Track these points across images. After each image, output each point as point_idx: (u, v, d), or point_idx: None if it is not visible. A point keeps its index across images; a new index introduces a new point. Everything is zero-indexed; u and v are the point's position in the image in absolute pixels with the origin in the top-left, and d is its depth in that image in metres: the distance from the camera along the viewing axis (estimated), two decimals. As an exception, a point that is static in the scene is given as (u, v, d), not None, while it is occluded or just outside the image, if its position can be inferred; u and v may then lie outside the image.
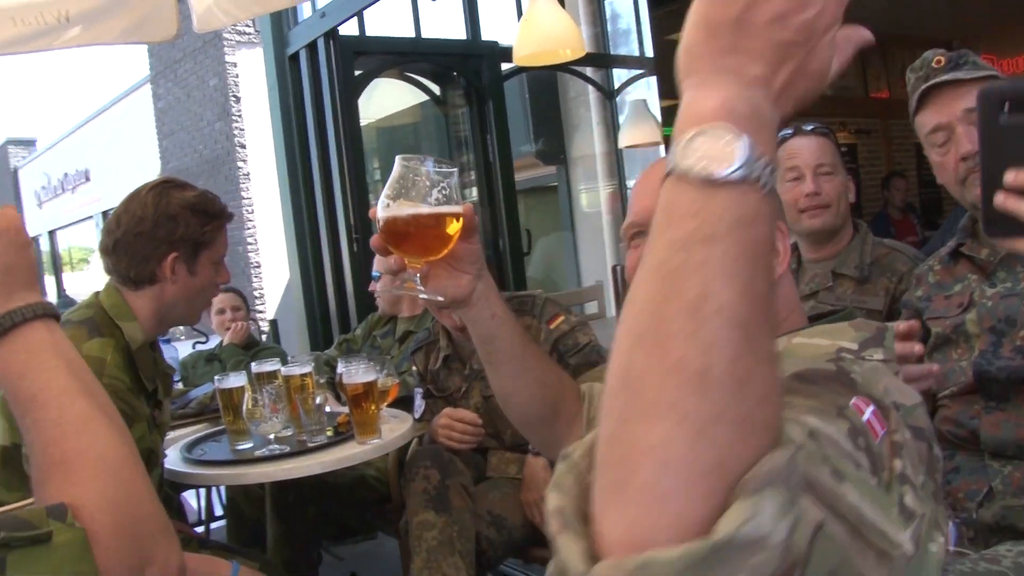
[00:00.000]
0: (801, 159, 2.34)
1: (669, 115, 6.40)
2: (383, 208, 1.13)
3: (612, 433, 0.59)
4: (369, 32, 5.01)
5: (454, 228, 1.15)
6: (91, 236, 16.44)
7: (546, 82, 7.13)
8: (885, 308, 2.29)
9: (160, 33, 3.42)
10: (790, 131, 2.42)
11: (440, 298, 1.23)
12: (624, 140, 6.44)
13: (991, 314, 1.73)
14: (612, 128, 6.69)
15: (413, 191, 1.13)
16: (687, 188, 0.61)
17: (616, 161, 6.76)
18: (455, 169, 1.18)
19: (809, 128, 2.40)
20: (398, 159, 1.15)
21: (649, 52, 6.56)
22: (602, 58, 6.66)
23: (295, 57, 4.84)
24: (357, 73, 4.91)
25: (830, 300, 2.32)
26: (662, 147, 6.37)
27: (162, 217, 2.13)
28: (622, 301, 1.99)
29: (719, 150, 0.60)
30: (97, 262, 18.21)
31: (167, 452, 2.63)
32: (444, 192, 1.14)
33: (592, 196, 7.00)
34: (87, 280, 18.03)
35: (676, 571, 0.53)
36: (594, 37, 6.71)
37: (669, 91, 6.50)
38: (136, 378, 2.12)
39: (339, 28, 4.64)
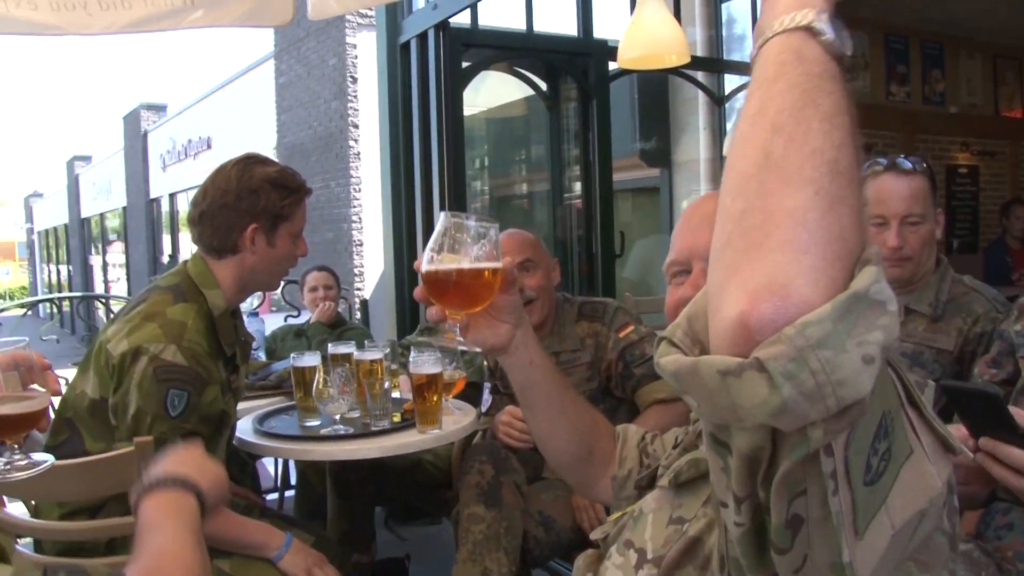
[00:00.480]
0: (889, 207, 2.24)
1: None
2: (427, 262, 1.19)
3: (748, 206, 0.71)
4: (481, 22, 5.06)
5: (493, 282, 1.21)
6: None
7: (656, 83, 7.07)
8: (956, 349, 2.21)
9: (277, 18, 3.54)
10: (883, 162, 2.29)
11: (478, 349, 1.29)
12: (729, 148, 6.37)
13: None
14: (719, 134, 6.61)
15: (456, 245, 1.19)
16: (817, 46, 0.76)
17: (720, 168, 6.67)
18: (495, 224, 1.23)
19: (906, 166, 2.27)
20: (443, 215, 1.21)
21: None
22: (713, 62, 6.58)
23: (406, 46, 4.94)
24: (465, 65, 4.98)
25: (900, 336, 2.25)
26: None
27: (244, 190, 2.25)
28: None
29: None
30: None
31: (242, 420, 2.76)
32: (484, 248, 1.19)
33: (693, 201, 6.94)
34: None
35: (831, 319, 0.63)
36: (708, 40, 6.64)
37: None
38: (216, 343, 2.25)
39: (450, 20, 4.71)
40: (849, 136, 0.72)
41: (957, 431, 1.55)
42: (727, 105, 6.58)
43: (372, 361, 2.69)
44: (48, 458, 1.39)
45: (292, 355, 2.76)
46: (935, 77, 8.06)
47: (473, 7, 4.82)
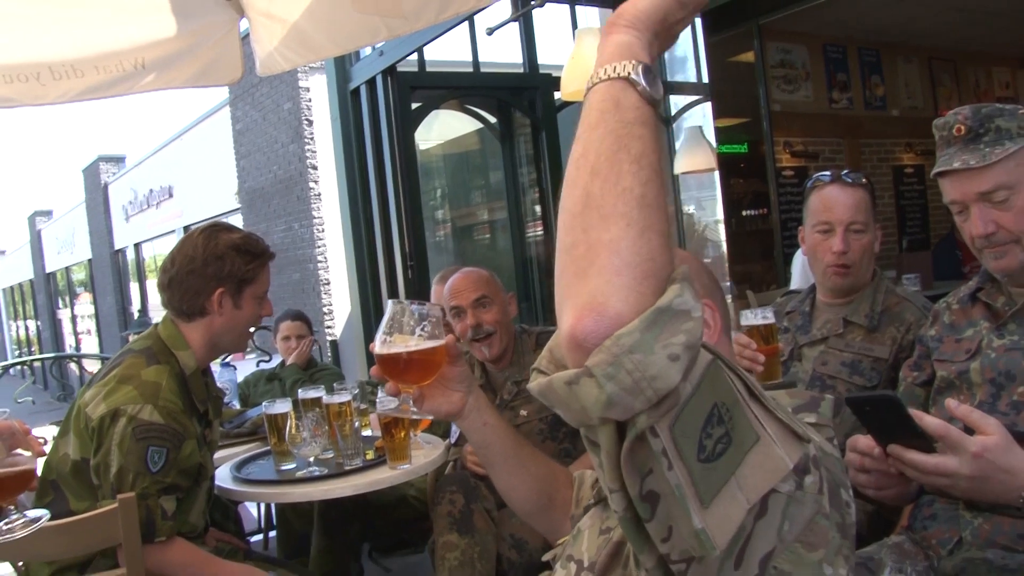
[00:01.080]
0: (835, 215, 2.36)
1: (722, 135, 6.50)
2: (380, 344, 1.36)
3: (574, 240, 0.88)
4: (429, 58, 5.22)
5: (439, 358, 1.38)
6: (170, 245, 17.13)
7: (605, 108, 7.22)
8: (891, 357, 2.32)
9: (226, 76, 3.60)
10: (827, 176, 2.43)
11: (430, 417, 1.45)
12: (680, 166, 6.53)
13: (993, 366, 1.77)
14: (668, 154, 6.77)
15: (403, 328, 1.37)
16: (633, 94, 0.94)
17: (672, 187, 6.84)
18: (438, 306, 1.44)
19: (849, 179, 2.40)
20: (390, 303, 1.40)
21: (706, 78, 6.63)
22: (659, 85, 6.75)
23: (356, 91, 5.10)
24: (415, 106, 5.15)
25: (839, 346, 2.38)
26: (717, 173, 6.45)
27: (211, 256, 2.39)
28: None
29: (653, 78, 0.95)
30: None
31: (220, 467, 2.87)
32: (426, 328, 1.36)
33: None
34: None
35: (639, 330, 0.79)
36: (651, 63, 6.80)
37: (723, 112, 6.59)
38: (189, 400, 2.38)
39: (397, 64, 4.87)
40: (655, 173, 0.89)
41: (867, 440, 1.70)
42: (674, 125, 6.75)
43: (340, 404, 2.82)
44: (44, 513, 1.52)
45: (264, 403, 2.88)
46: (874, 83, 8.21)
47: (419, 51, 4.98)
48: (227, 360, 4.74)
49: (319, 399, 2.87)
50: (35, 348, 31.38)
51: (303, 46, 3.38)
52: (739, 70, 7.05)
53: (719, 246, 6.79)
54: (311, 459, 2.70)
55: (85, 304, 24.87)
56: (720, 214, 6.60)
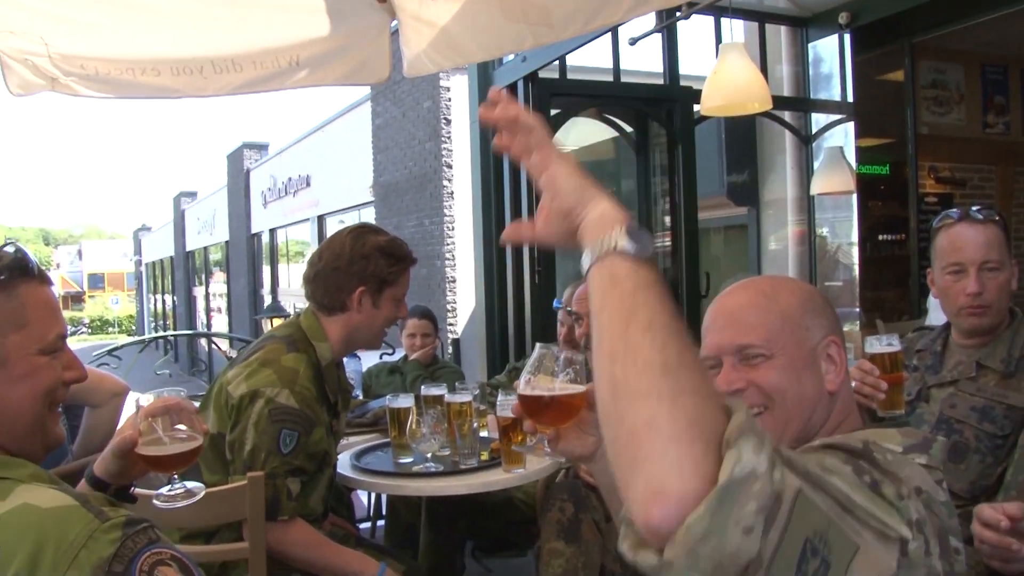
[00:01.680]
0: (966, 254, 2.29)
1: (864, 155, 6.32)
2: (524, 384, 1.42)
3: (616, 433, 0.90)
4: (571, 65, 5.26)
5: (578, 403, 1.41)
6: (306, 234, 17.70)
7: (744, 122, 7.13)
8: None
9: (375, 76, 3.72)
10: (955, 214, 2.35)
11: (562, 459, 1.49)
12: (816, 187, 6.39)
13: None
14: (806, 172, 6.62)
15: (548, 371, 1.42)
16: (625, 263, 0.98)
17: (808, 207, 6.69)
18: (583, 356, 1.44)
19: (979, 216, 2.31)
20: (538, 346, 1.47)
21: (850, 97, 6.47)
22: (799, 102, 6.61)
23: (497, 95, 5.17)
24: (554, 112, 5.18)
25: (970, 390, 2.29)
26: (855, 196, 6.28)
27: (356, 256, 2.49)
28: None
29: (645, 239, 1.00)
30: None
31: (340, 455, 2.96)
32: (569, 376, 1.40)
33: (781, 240, 6.95)
34: (299, 270, 19.67)
35: (708, 515, 0.81)
36: (794, 77, 6.67)
37: (866, 132, 6.41)
38: (322, 390, 2.48)
39: (540, 70, 4.92)
40: (670, 332, 0.91)
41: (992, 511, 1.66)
42: (814, 144, 6.60)
43: (462, 403, 2.87)
44: (201, 486, 1.62)
45: (388, 396, 2.96)
46: (1037, 107, 7.92)
47: (562, 58, 5.02)
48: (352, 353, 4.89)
49: (441, 397, 2.93)
50: (170, 322, 32.92)
51: (451, 49, 3.45)
52: (886, 90, 6.83)
53: (851, 270, 6.61)
54: (428, 455, 2.76)
55: (219, 283, 25.98)
56: (855, 237, 6.42)
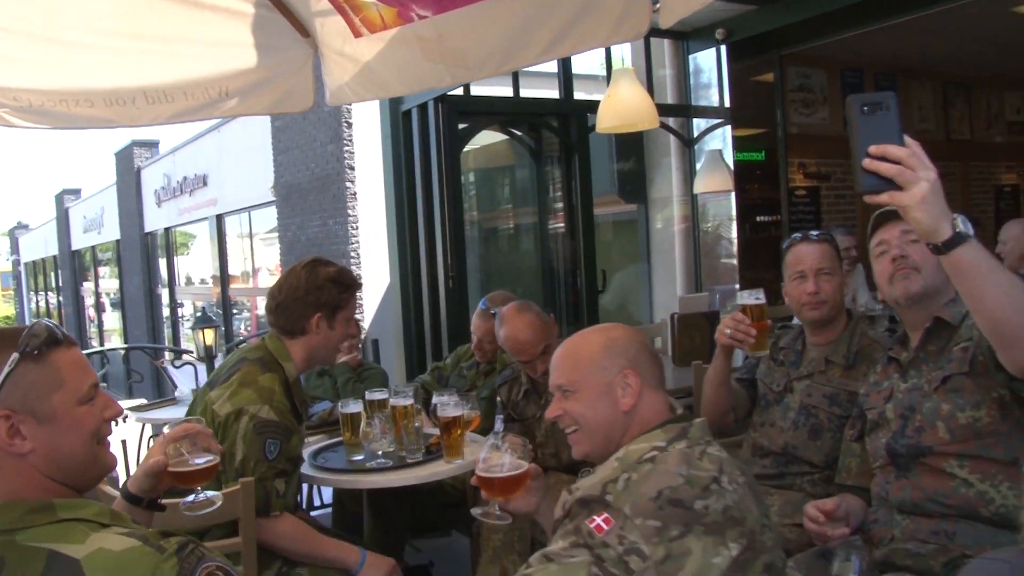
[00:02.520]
0: (806, 264, 2.89)
1: (740, 144, 6.95)
2: (480, 468, 2.01)
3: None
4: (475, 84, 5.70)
5: (524, 479, 2.02)
6: (202, 231, 17.73)
7: (632, 128, 7.67)
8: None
9: (300, 105, 3.90)
10: (798, 236, 2.98)
11: (509, 519, 2.09)
12: (699, 187, 6.96)
13: (900, 404, 2.27)
14: (689, 174, 7.19)
15: (498, 454, 2.02)
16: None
17: (692, 203, 7.25)
18: (523, 440, 2.05)
19: (815, 236, 2.95)
20: (490, 439, 2.06)
21: (727, 102, 7.02)
22: (683, 109, 7.17)
23: (408, 113, 5.57)
24: (461, 127, 5.62)
25: (822, 381, 2.87)
26: (733, 194, 6.89)
27: (312, 286, 2.90)
28: (676, 346, 2.99)
29: None
30: (197, 248, 19.68)
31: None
32: (516, 457, 2.00)
33: (667, 235, 7.50)
34: (189, 262, 20.14)
35: None
36: (677, 87, 7.19)
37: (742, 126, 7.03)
38: (293, 403, 2.88)
39: (448, 91, 5.33)
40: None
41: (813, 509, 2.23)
42: (696, 147, 7.18)
43: (406, 405, 3.29)
44: (219, 495, 2.02)
45: (340, 403, 3.37)
46: (888, 105, 8.62)
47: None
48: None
49: (386, 400, 3.34)
50: (55, 319, 32.02)
51: (373, 84, 3.71)
52: (759, 94, 7.44)
53: (732, 257, 7.19)
54: (379, 452, 3.18)
55: (110, 281, 25.53)
56: (735, 230, 7.03)
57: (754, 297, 2.74)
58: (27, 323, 1.54)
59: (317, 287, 2.89)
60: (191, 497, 2.02)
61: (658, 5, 2.90)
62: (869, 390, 2.48)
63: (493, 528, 3.07)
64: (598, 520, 1.58)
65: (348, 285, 2.98)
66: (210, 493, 2.03)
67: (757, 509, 1.68)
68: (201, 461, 1.97)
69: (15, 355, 1.46)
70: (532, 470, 2.05)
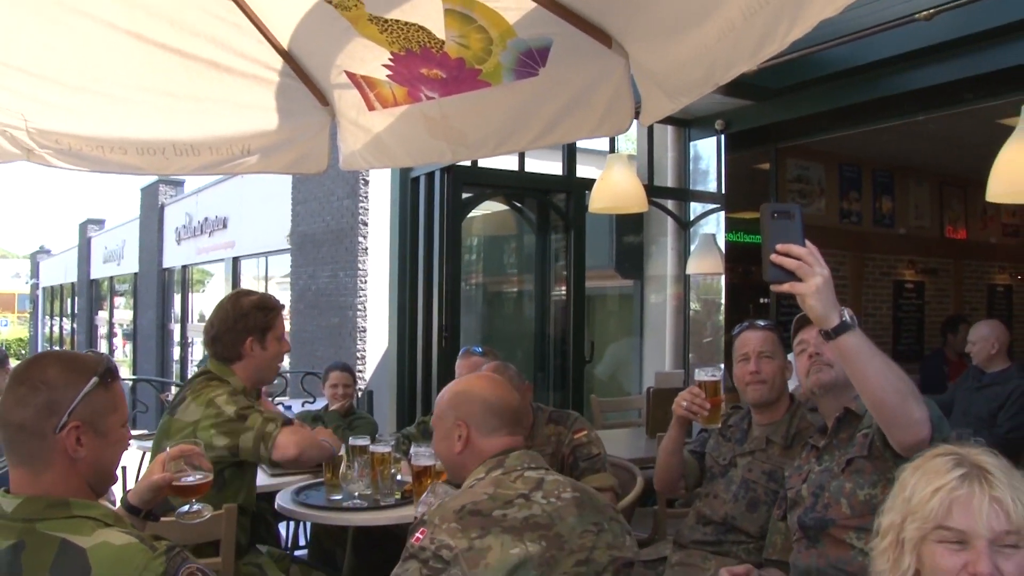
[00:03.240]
0: (749, 347, 3.16)
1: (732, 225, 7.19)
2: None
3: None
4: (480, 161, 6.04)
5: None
6: (219, 272, 18.13)
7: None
8: None
9: (315, 167, 4.17)
10: (746, 324, 3.27)
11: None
12: (691, 268, 7.19)
13: (813, 483, 2.55)
14: (683, 254, 7.41)
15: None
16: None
17: (684, 282, 7.48)
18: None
19: (760, 324, 3.24)
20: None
21: (724, 189, 7.28)
22: (681, 192, 7.43)
23: (416, 180, 5.92)
24: (465, 196, 5.95)
25: (762, 459, 3.13)
26: (723, 277, 7.16)
27: (238, 315, 3.19)
28: (650, 417, 3.39)
29: None
30: (212, 286, 20.13)
31: (282, 491, 3.66)
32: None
33: (659, 311, 7.68)
34: (204, 299, 20.53)
35: None
36: (677, 171, 7.45)
37: (732, 223, 7.32)
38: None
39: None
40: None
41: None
42: (691, 229, 7.45)
43: (384, 453, 3.57)
44: (209, 507, 2.35)
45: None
46: (885, 202, 8.85)
47: (474, 154, 5.79)
48: (279, 401, 5.52)
49: (366, 447, 3.62)
50: (67, 346, 32.37)
51: (382, 153, 3.97)
52: (755, 182, 7.75)
53: (719, 336, 7.42)
54: (356, 493, 3.45)
55: (124, 312, 25.91)
56: (723, 312, 7.29)
57: (710, 374, 3.04)
58: (39, 348, 1.88)
59: (243, 314, 3.18)
60: (185, 508, 2.32)
61: (639, 106, 3.23)
62: (791, 472, 2.75)
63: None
64: (417, 534, 2.01)
65: (271, 308, 3.25)
66: (199, 506, 2.32)
67: (576, 519, 2.10)
68: (195, 478, 2.27)
69: (95, 379, 1.81)
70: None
